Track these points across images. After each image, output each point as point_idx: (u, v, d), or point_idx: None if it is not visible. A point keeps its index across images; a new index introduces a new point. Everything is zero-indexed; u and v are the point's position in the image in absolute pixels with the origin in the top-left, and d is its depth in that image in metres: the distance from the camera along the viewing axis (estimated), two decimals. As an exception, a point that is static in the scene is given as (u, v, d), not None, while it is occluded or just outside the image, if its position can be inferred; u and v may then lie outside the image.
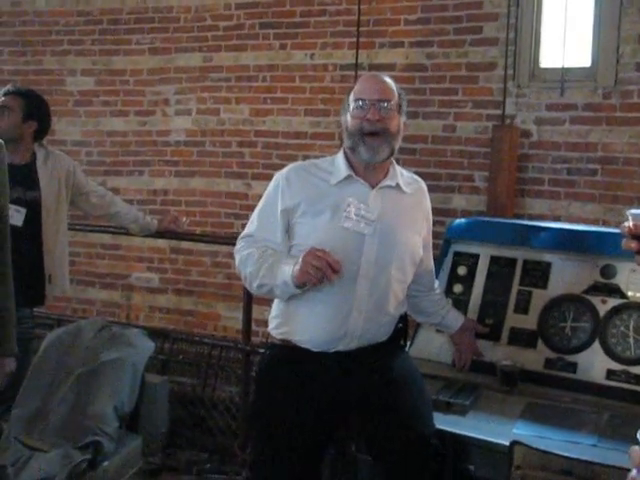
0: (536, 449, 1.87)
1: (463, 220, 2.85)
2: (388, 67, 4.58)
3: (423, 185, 2.38)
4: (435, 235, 4.46)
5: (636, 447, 0.94)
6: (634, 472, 0.94)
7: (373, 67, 4.62)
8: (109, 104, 5.29)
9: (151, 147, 5.21)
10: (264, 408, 2.20)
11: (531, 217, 4.29)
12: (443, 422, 2.11)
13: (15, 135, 3.19)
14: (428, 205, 2.39)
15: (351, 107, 2.16)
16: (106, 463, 2.62)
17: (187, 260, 5.10)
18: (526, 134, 4.26)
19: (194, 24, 5.04)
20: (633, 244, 1.43)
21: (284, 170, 2.27)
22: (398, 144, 2.20)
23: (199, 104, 5.07)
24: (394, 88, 2.20)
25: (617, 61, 4.02)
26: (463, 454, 2.08)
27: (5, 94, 3.24)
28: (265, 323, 2.39)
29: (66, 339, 2.96)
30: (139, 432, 2.91)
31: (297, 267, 1.98)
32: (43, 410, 2.77)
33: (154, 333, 4.94)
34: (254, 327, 3.89)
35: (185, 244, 5.16)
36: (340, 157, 2.22)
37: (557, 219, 4.23)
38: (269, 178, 4.78)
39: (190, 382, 4.63)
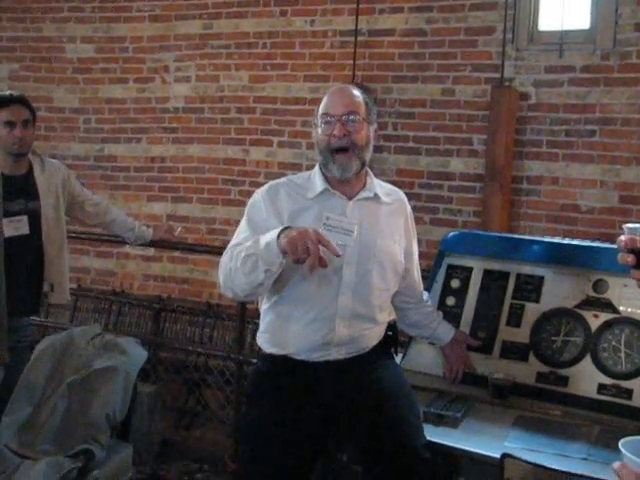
0: (527, 462, 1.86)
1: (457, 233, 2.85)
2: (388, 32, 4.63)
3: (402, 195, 2.36)
4: (432, 199, 4.54)
5: (616, 462, 1.04)
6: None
7: (373, 33, 4.65)
8: (108, 71, 5.29)
9: (150, 114, 5.21)
10: (254, 419, 2.18)
11: (529, 179, 4.31)
12: (434, 434, 2.10)
13: (31, 145, 3.16)
14: (409, 214, 2.34)
15: (319, 123, 2.15)
16: (96, 472, 2.56)
17: (183, 227, 5.06)
18: (525, 96, 4.29)
19: (195, -9, 5.07)
20: (629, 258, 1.44)
21: (263, 188, 2.24)
22: (369, 154, 2.20)
23: (198, 71, 5.09)
24: (361, 99, 2.18)
25: (616, 22, 4.06)
26: (454, 466, 2.08)
27: (12, 101, 3.10)
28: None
29: (58, 347, 2.93)
30: (130, 441, 2.87)
31: (294, 233, 1.90)
32: (34, 418, 2.74)
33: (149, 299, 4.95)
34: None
35: (182, 210, 5.17)
36: (316, 172, 2.23)
37: (555, 181, 4.25)
38: (267, 144, 4.92)
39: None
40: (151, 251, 5.20)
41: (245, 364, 3.60)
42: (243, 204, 4.33)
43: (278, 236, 1.91)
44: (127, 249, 5.25)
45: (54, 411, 2.73)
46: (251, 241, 2.02)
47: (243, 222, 2.21)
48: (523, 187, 4.32)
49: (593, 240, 2.74)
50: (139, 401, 3.03)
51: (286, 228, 1.93)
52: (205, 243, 5.00)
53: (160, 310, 4.16)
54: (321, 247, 1.86)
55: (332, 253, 1.89)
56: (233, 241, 2.16)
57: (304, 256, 1.85)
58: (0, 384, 2.84)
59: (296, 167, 4.70)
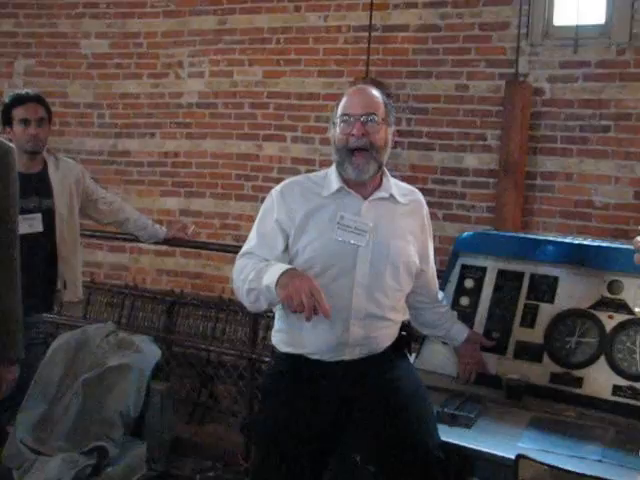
0: (541, 463, 1.86)
1: (471, 233, 2.83)
2: (401, 28, 4.62)
3: (420, 196, 2.32)
4: (446, 194, 4.53)
5: None
6: None
7: (387, 28, 4.65)
8: (122, 67, 5.32)
9: (163, 109, 5.24)
10: (269, 417, 2.21)
11: (543, 175, 4.29)
12: (448, 434, 2.09)
13: (46, 143, 3.18)
14: (426, 215, 2.32)
15: (338, 122, 2.15)
16: (110, 469, 2.63)
17: (196, 222, 5.04)
18: (539, 92, 4.27)
19: (209, -13, 5.08)
20: None
21: (278, 187, 2.24)
22: (386, 156, 2.20)
23: (212, 66, 5.10)
24: (380, 100, 2.17)
25: (632, 17, 4.03)
26: (468, 467, 2.07)
27: (28, 99, 3.14)
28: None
29: (73, 344, 2.97)
30: (143, 438, 2.90)
31: (290, 284, 1.92)
32: (49, 414, 2.78)
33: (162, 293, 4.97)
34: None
35: (195, 205, 5.19)
36: (332, 170, 2.20)
37: (569, 176, 4.23)
38: (281, 139, 4.93)
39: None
40: (164, 246, 5.20)
41: (258, 362, 3.61)
42: (256, 199, 4.41)
43: (277, 282, 1.93)
44: (140, 244, 5.25)
45: (68, 408, 2.76)
46: (254, 272, 2.03)
47: (255, 226, 2.23)
48: (537, 183, 4.30)
49: (607, 238, 2.73)
50: (152, 398, 3.03)
51: (284, 273, 1.94)
52: (218, 238, 5.02)
53: (173, 304, 4.19)
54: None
55: (322, 313, 1.90)
56: (245, 246, 2.20)
57: (300, 309, 1.90)
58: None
59: (309, 162, 4.70)
